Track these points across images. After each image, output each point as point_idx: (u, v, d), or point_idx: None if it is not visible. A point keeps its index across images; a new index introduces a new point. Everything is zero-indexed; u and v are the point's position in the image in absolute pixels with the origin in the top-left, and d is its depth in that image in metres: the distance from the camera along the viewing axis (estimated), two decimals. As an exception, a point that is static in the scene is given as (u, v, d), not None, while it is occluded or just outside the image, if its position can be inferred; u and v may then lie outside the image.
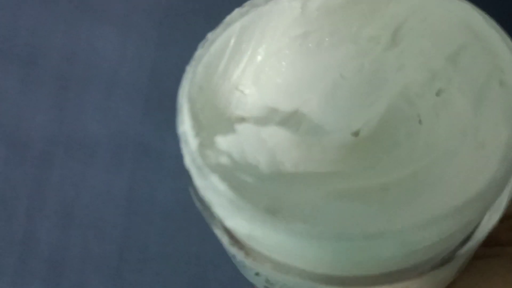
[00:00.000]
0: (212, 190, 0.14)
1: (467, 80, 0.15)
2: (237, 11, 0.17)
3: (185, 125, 0.15)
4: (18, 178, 0.33)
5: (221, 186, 0.14)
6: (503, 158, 0.14)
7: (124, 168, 0.33)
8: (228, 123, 0.16)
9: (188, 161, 0.15)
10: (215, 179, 0.14)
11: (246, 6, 0.17)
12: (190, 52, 0.34)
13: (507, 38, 0.15)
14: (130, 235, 0.32)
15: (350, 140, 0.16)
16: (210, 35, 0.17)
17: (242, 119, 0.16)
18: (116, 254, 0.32)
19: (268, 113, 0.16)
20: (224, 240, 0.16)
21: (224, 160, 0.15)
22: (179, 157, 0.15)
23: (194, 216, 0.20)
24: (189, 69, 0.16)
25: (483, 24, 0.15)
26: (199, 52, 0.16)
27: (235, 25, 0.17)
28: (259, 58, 0.17)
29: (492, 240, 0.17)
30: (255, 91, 0.17)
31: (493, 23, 0.15)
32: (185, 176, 0.15)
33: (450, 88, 0.16)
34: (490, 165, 0.14)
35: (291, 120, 0.16)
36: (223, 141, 0.15)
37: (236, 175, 0.14)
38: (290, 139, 0.15)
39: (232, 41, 0.16)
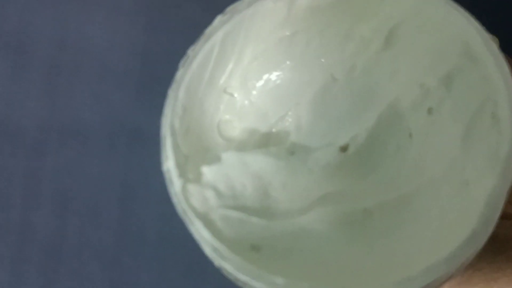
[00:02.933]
0: (198, 235, 0.14)
1: (459, 105, 0.15)
2: (218, 19, 0.16)
3: (169, 162, 0.15)
4: (12, 168, 0.33)
5: (205, 233, 0.14)
6: (485, 208, 0.13)
7: (118, 154, 0.33)
8: (214, 147, 0.16)
9: (174, 202, 0.15)
10: (199, 226, 0.14)
11: (227, 12, 0.16)
12: (181, 35, 0.33)
13: (503, 64, 0.15)
14: (126, 220, 0.32)
15: (337, 157, 0.16)
16: (190, 52, 0.16)
17: (228, 139, 0.16)
18: (113, 240, 0.32)
19: (256, 121, 0.17)
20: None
21: (209, 194, 0.15)
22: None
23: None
24: (171, 93, 0.16)
25: (480, 44, 0.15)
26: (180, 72, 0.16)
27: (217, 34, 0.16)
28: (246, 60, 0.17)
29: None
30: (244, 93, 0.17)
31: (490, 43, 0.15)
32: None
33: (442, 110, 0.15)
34: (472, 210, 0.14)
35: (278, 136, 0.16)
36: (208, 172, 0.15)
37: (222, 213, 0.15)
38: (276, 163, 0.15)
39: (216, 50, 0.16)
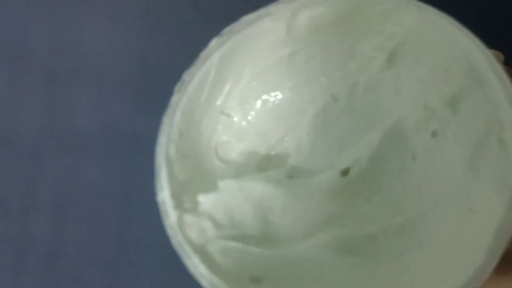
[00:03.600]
0: (195, 270, 0.14)
1: (464, 128, 0.15)
2: (215, 42, 0.16)
3: (164, 193, 0.15)
4: (10, 175, 0.32)
5: (203, 269, 0.14)
6: (493, 241, 0.13)
7: (116, 161, 0.33)
8: (212, 171, 0.16)
9: (169, 234, 0.15)
10: (196, 261, 0.14)
11: (224, 34, 0.16)
12: (179, 40, 0.33)
13: (509, 86, 0.14)
14: (125, 228, 0.32)
15: (338, 182, 0.15)
16: (186, 76, 0.16)
17: (226, 161, 0.16)
18: (112, 247, 0.32)
19: (255, 143, 0.16)
20: None
21: (207, 224, 0.15)
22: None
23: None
24: (166, 120, 0.16)
25: (485, 66, 0.14)
26: (175, 97, 0.16)
27: (213, 57, 0.16)
28: (244, 80, 0.16)
29: None
30: (242, 114, 0.17)
31: (495, 65, 0.14)
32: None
33: (446, 133, 0.15)
34: (479, 241, 0.13)
35: (277, 158, 0.16)
36: (205, 201, 0.15)
37: (220, 244, 0.14)
38: (275, 189, 0.15)
39: (212, 72, 0.16)
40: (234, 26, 0.16)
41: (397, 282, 0.14)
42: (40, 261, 0.32)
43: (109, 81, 0.33)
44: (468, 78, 0.15)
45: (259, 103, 0.17)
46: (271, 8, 0.15)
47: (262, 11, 0.16)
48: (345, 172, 0.15)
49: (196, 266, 0.14)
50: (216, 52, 0.16)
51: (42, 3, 0.32)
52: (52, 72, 0.33)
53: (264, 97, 0.17)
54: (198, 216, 0.15)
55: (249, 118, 0.17)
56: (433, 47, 0.15)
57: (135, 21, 0.32)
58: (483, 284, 0.18)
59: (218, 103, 0.16)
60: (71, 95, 0.33)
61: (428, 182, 0.15)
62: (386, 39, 0.16)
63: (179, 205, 0.15)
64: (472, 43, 0.15)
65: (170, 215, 0.15)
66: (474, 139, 0.14)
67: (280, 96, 0.17)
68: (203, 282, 0.14)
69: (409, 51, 0.16)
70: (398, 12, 0.15)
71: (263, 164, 0.16)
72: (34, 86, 0.33)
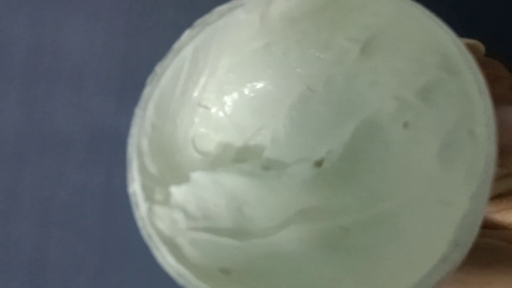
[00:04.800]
0: (163, 260, 0.14)
1: (436, 120, 0.15)
2: (187, 33, 0.16)
3: (135, 185, 0.15)
4: (-10, 180, 0.32)
5: (170, 259, 0.14)
6: (456, 232, 0.13)
7: (100, 163, 0.32)
8: (188, 163, 0.16)
9: (139, 225, 0.15)
10: (164, 251, 0.14)
11: (197, 26, 0.16)
12: (161, 39, 0.33)
13: (481, 78, 0.14)
14: (111, 231, 0.32)
15: (312, 173, 0.15)
16: (158, 68, 0.16)
17: (204, 153, 0.16)
18: (98, 251, 0.32)
19: (232, 134, 0.16)
20: None
21: (178, 216, 0.15)
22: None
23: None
24: (138, 112, 0.16)
25: (458, 58, 0.15)
26: (147, 89, 0.16)
27: (186, 48, 0.16)
28: (220, 72, 0.16)
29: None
30: (219, 106, 0.17)
31: (468, 57, 0.14)
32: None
33: (419, 124, 0.15)
34: (446, 231, 0.13)
35: (254, 150, 0.16)
36: (177, 192, 0.15)
37: (190, 236, 0.14)
38: (250, 181, 0.15)
39: (187, 64, 0.16)
40: (207, 17, 0.16)
41: (369, 274, 0.14)
42: (25, 266, 0.32)
43: (90, 81, 0.32)
44: (441, 69, 0.15)
45: (236, 95, 0.17)
46: None
47: (234, 2, 0.16)
48: (319, 163, 0.16)
49: (164, 257, 0.14)
50: (189, 44, 0.16)
51: (18, 2, 0.32)
52: (31, 74, 0.32)
53: (241, 88, 0.17)
54: (170, 208, 0.15)
55: (227, 110, 0.17)
56: (407, 38, 0.16)
57: (116, 20, 0.32)
58: (469, 279, 0.17)
59: (195, 94, 0.16)
60: (51, 97, 0.32)
61: (402, 174, 0.15)
62: (362, 30, 0.16)
63: (149, 196, 0.15)
64: (446, 34, 0.15)
65: (140, 206, 0.15)
66: (445, 131, 0.15)
67: (257, 87, 0.17)
68: (171, 272, 0.14)
69: (385, 42, 0.16)
70: (374, 3, 0.15)
71: (240, 156, 0.16)
72: (13, 88, 0.32)
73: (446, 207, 0.14)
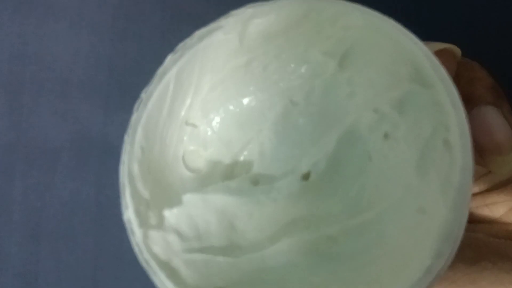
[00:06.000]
0: (161, 285, 0.15)
1: (412, 130, 0.15)
2: (169, 58, 0.16)
3: (129, 211, 0.15)
4: (-21, 194, 0.32)
5: (168, 284, 0.15)
6: (437, 243, 0.14)
7: (89, 171, 0.32)
8: (179, 181, 0.16)
9: (136, 252, 0.15)
10: (162, 277, 0.15)
11: (178, 50, 0.16)
12: (147, 44, 0.32)
13: (453, 90, 0.15)
14: (103, 241, 0.32)
15: (300, 186, 0.16)
16: (143, 94, 0.17)
17: (194, 170, 0.17)
18: (91, 262, 0.32)
19: (220, 150, 0.17)
20: None
21: (172, 238, 0.15)
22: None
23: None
24: (127, 139, 0.16)
25: (429, 70, 0.15)
26: (134, 116, 0.16)
27: (170, 72, 0.16)
28: (204, 91, 0.17)
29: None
30: (206, 123, 0.17)
31: (439, 69, 0.15)
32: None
33: (397, 135, 0.16)
34: (427, 243, 0.14)
35: (242, 165, 0.17)
36: (170, 215, 0.16)
37: (186, 258, 0.15)
38: (238, 198, 0.16)
39: (171, 86, 0.16)
40: (187, 41, 0.16)
41: (355, 282, 0.14)
42: (17, 279, 0.32)
43: (76, 89, 0.32)
44: (414, 82, 0.15)
45: (221, 111, 0.17)
46: (222, 21, 0.16)
47: (213, 25, 0.16)
48: (306, 176, 0.16)
49: (163, 282, 0.15)
50: (173, 67, 0.16)
51: (0, 10, 0.31)
52: (14, 83, 0.32)
53: (226, 105, 0.17)
54: (164, 231, 0.15)
55: (214, 126, 0.17)
56: (380, 51, 0.16)
57: (100, 26, 0.32)
58: (457, 276, 0.18)
59: (182, 114, 0.17)
60: (36, 106, 0.32)
61: (384, 183, 0.16)
62: (335, 44, 0.17)
63: (144, 222, 0.15)
64: (417, 47, 0.15)
65: (136, 233, 0.15)
66: (422, 141, 0.15)
67: (241, 103, 0.17)
68: None
69: (358, 55, 0.16)
70: (345, 18, 0.16)
71: (229, 171, 0.17)
72: (-2, 99, 0.32)
73: (424, 216, 0.14)
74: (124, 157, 0.16)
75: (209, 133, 0.17)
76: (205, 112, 0.17)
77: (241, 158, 0.17)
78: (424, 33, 0.25)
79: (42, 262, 0.31)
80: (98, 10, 0.32)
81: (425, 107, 0.15)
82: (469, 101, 0.19)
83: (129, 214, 0.16)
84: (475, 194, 0.20)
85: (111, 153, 0.32)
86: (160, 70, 0.16)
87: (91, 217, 0.32)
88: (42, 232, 0.31)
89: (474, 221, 0.20)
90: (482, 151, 0.18)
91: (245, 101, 0.17)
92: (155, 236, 0.15)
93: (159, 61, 0.29)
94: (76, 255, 0.31)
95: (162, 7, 0.31)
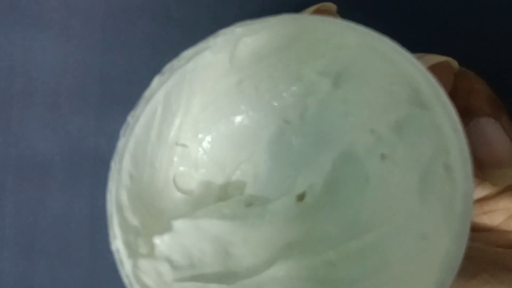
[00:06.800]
0: None
1: (412, 153, 0.15)
2: (157, 80, 0.16)
3: (117, 241, 0.15)
4: (-30, 211, 0.31)
5: None
6: (440, 272, 0.13)
7: (82, 184, 0.32)
8: (171, 206, 0.16)
9: (125, 283, 0.15)
10: None
11: (165, 72, 0.16)
12: (138, 53, 0.32)
13: (452, 112, 0.14)
14: (97, 255, 0.31)
15: (295, 207, 0.16)
16: (130, 118, 0.16)
17: (186, 192, 0.16)
18: (86, 276, 0.31)
19: (213, 171, 0.17)
20: None
21: (163, 268, 0.15)
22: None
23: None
24: (113, 166, 0.16)
25: (428, 92, 0.15)
26: (121, 141, 0.16)
27: (158, 95, 0.16)
28: (194, 111, 0.17)
29: None
30: (197, 143, 0.17)
31: (438, 91, 0.14)
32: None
33: (395, 157, 0.15)
34: (429, 270, 0.13)
35: (235, 187, 0.16)
36: (161, 243, 0.15)
37: (177, 287, 0.15)
38: (232, 223, 0.15)
39: (159, 109, 0.16)
40: (174, 63, 0.16)
41: None
42: (11, 296, 0.31)
43: (66, 100, 0.31)
44: (412, 104, 0.15)
45: (213, 131, 0.17)
46: (210, 41, 0.16)
47: (200, 45, 0.16)
48: (300, 197, 0.16)
49: None
50: (160, 90, 0.16)
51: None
52: (3, 96, 0.31)
53: (218, 125, 0.17)
54: (155, 260, 0.15)
55: (205, 146, 0.17)
56: (376, 71, 0.16)
57: (90, 37, 0.31)
58: None
59: (172, 135, 0.16)
60: (26, 120, 0.31)
61: (382, 206, 0.15)
62: (329, 63, 0.16)
63: (133, 252, 0.15)
64: (414, 68, 0.15)
65: (125, 264, 0.15)
66: (422, 164, 0.15)
67: (233, 123, 0.17)
68: None
69: (353, 74, 0.16)
70: (337, 37, 0.15)
71: (222, 193, 0.17)
72: (-14, 114, 0.31)
73: (426, 243, 0.14)
74: (112, 185, 0.16)
75: (201, 153, 0.17)
76: (195, 132, 0.17)
77: (235, 178, 0.17)
78: (421, 42, 0.24)
79: (36, 277, 0.31)
80: (85, 21, 0.31)
81: (424, 130, 0.15)
82: (467, 113, 0.19)
83: (118, 244, 0.15)
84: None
85: (103, 165, 0.31)
86: (147, 92, 0.16)
87: (85, 230, 0.31)
88: (35, 247, 0.31)
89: (472, 229, 0.20)
90: (481, 165, 0.18)
91: (237, 120, 0.17)
92: (146, 266, 0.15)
93: (150, 70, 0.29)
94: (70, 269, 0.31)
95: (151, 16, 0.31)
